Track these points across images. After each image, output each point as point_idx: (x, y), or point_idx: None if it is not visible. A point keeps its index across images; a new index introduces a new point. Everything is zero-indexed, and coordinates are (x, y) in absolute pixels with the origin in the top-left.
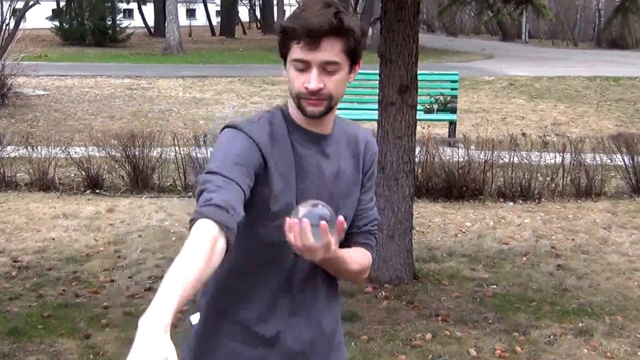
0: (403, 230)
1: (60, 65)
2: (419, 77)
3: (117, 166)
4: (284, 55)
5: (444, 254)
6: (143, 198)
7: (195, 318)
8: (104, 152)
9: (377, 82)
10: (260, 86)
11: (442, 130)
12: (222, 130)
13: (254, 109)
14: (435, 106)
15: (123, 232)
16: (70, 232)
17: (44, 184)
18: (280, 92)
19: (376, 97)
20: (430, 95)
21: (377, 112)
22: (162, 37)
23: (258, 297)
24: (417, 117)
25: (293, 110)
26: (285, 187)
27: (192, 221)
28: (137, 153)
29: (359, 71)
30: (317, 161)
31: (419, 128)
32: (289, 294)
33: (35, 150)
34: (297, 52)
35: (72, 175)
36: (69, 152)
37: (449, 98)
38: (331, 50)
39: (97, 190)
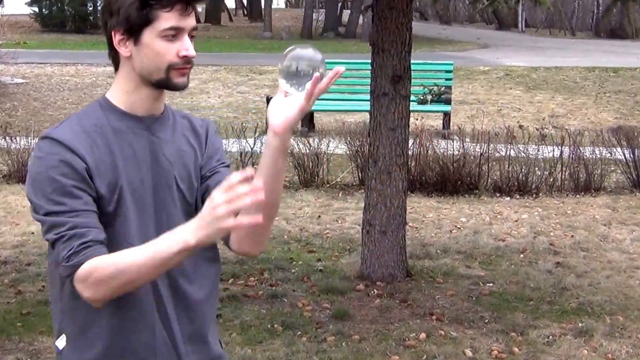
0: (396, 225)
1: (40, 52)
2: (412, 67)
3: None
4: (135, 29)
5: (438, 251)
6: None
7: (61, 342)
8: None
9: (369, 71)
10: (247, 75)
11: (436, 122)
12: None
13: (241, 99)
14: (429, 97)
15: None
16: None
17: (22, 175)
18: (267, 81)
19: (367, 88)
20: (424, 85)
21: (368, 103)
22: None
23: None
24: (411, 109)
25: (120, 97)
26: (108, 189)
27: (80, 262)
28: None
29: (350, 61)
30: (151, 147)
31: (412, 120)
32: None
33: (14, 140)
34: (167, 19)
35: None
36: None
37: (443, 89)
38: (193, 16)
39: None
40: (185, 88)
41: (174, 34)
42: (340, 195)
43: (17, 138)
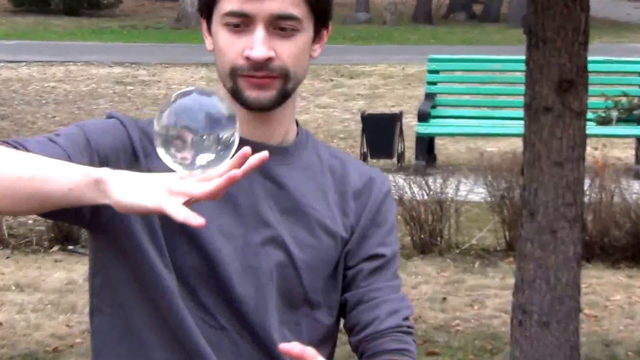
0: (564, 313)
1: (10, 45)
2: (588, 67)
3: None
4: (206, 12)
5: (630, 353)
6: None
7: None
8: None
9: (521, 74)
10: (332, 80)
11: (626, 153)
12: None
13: (321, 117)
14: (615, 114)
15: None
16: (29, 314)
17: None
18: (362, 88)
19: (518, 99)
20: (606, 96)
21: (520, 122)
22: (174, 1)
23: None
24: (587, 132)
25: None
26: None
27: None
28: None
29: (491, 57)
30: (252, 188)
31: (588, 149)
32: None
33: None
34: (231, 1)
35: (31, 221)
36: None
37: (636, 100)
38: None
39: (70, 246)
40: (262, 108)
41: (238, 22)
42: (476, 266)
43: None
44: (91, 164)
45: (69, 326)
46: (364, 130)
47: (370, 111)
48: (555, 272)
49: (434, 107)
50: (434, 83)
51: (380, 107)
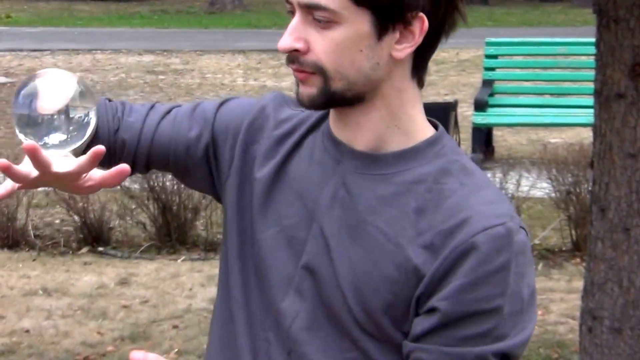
0: (638, 319)
1: (34, 32)
2: None
3: (133, 206)
4: None
5: None
6: (179, 261)
7: None
8: None
9: (590, 58)
10: None
11: None
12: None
13: None
14: None
15: (146, 320)
16: (57, 320)
17: (9, 237)
18: None
19: (587, 86)
20: None
21: (589, 111)
22: None
23: None
24: None
25: None
26: (239, 204)
27: None
28: (167, 185)
29: (554, 39)
30: (322, 190)
31: None
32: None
33: None
34: None
35: (58, 221)
36: None
37: None
38: None
39: (101, 248)
40: (303, 105)
41: (289, 8)
42: (540, 267)
43: (0, 175)
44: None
45: (100, 333)
46: None
47: (422, 100)
48: (629, 274)
49: (491, 95)
50: (492, 69)
51: (432, 96)
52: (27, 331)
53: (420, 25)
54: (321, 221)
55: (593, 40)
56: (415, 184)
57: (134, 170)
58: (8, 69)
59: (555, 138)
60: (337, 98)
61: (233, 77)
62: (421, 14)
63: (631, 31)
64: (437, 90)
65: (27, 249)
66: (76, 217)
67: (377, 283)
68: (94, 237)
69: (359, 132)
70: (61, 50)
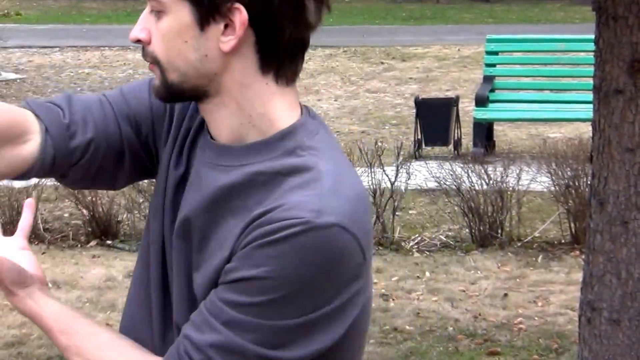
0: (637, 310)
1: (43, 29)
2: None
3: (141, 200)
4: None
5: None
6: None
7: None
8: None
9: (589, 54)
10: (382, 62)
11: None
12: None
13: (372, 102)
14: None
15: None
16: None
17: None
18: (415, 72)
19: (584, 81)
20: None
21: (586, 106)
22: None
23: None
24: None
25: None
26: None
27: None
28: None
29: (553, 36)
30: (205, 173)
31: None
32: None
33: None
34: None
35: (67, 215)
36: None
37: None
38: None
39: (109, 241)
40: (156, 97)
41: None
42: (539, 260)
43: None
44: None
45: (108, 324)
46: (417, 116)
47: (424, 96)
48: (627, 266)
49: (492, 90)
50: (493, 65)
51: (434, 92)
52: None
53: (239, 16)
54: (180, 211)
55: (591, 37)
56: (257, 176)
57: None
58: (18, 65)
59: (554, 133)
60: (176, 91)
61: None
62: (237, 5)
63: (630, 28)
64: (438, 86)
65: (36, 243)
66: (85, 211)
67: (211, 269)
68: (103, 231)
69: (217, 127)
70: (70, 47)
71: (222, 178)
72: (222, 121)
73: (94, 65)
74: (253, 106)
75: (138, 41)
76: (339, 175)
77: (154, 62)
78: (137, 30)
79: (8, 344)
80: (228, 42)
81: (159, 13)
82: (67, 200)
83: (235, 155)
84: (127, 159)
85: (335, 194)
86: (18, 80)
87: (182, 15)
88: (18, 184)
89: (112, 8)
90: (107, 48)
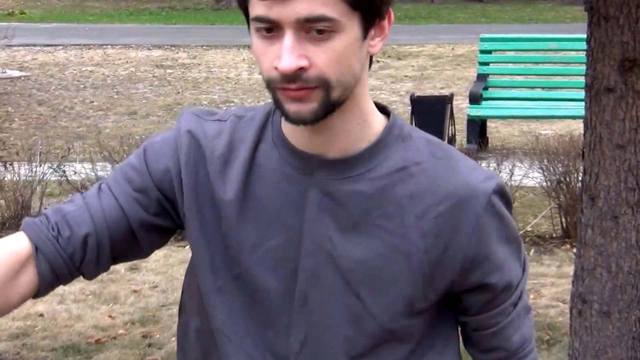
0: (626, 303)
1: (47, 28)
2: None
3: None
4: (244, 12)
5: None
6: (187, 247)
7: None
8: None
9: (581, 54)
10: (378, 61)
11: None
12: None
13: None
14: None
15: (156, 304)
16: (70, 304)
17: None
18: (410, 70)
19: (575, 80)
20: None
21: (580, 104)
22: None
23: None
24: None
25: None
26: (204, 238)
27: (21, 228)
28: None
29: (546, 35)
30: (304, 207)
31: None
32: None
33: (9, 168)
34: (257, 5)
35: None
36: (64, 172)
37: None
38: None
39: None
40: (304, 122)
41: (268, 27)
42: (531, 253)
43: (14, 165)
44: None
45: (111, 317)
46: (413, 113)
47: (419, 93)
48: (617, 260)
49: (486, 88)
50: (486, 63)
51: (429, 89)
52: (41, 315)
53: (389, 17)
54: (312, 234)
55: (582, 36)
56: (395, 172)
57: (98, 267)
58: (22, 63)
59: (546, 130)
60: (331, 107)
61: (238, 71)
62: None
63: (621, 28)
64: (433, 83)
65: None
66: None
67: (392, 278)
68: None
69: (333, 138)
70: (73, 45)
71: (362, 187)
72: (344, 128)
73: (96, 63)
74: (367, 102)
75: (296, 71)
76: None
77: (320, 85)
78: (295, 60)
79: (12, 335)
80: (377, 44)
81: (329, 33)
82: (70, 195)
83: (362, 161)
84: (142, 233)
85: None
86: (22, 78)
87: (354, 29)
88: (23, 179)
89: (115, 7)
90: (109, 46)
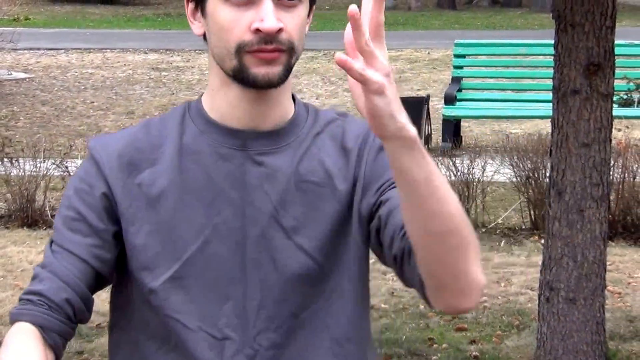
0: (591, 290)
1: (50, 33)
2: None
3: None
4: None
5: None
6: None
7: None
8: None
9: (548, 58)
10: None
11: None
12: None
13: (350, 100)
14: (637, 96)
15: None
16: None
17: (28, 216)
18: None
19: (545, 82)
20: (629, 78)
21: (547, 105)
22: None
23: None
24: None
25: (207, 98)
26: (148, 235)
27: (12, 320)
28: None
29: (517, 41)
30: (244, 179)
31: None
32: None
33: (15, 164)
34: None
35: None
36: (66, 167)
37: None
38: None
39: None
40: (270, 85)
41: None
42: (502, 244)
43: (20, 161)
44: (101, 237)
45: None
46: None
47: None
48: (582, 250)
49: (460, 90)
50: (460, 67)
51: (407, 91)
52: None
53: (314, 6)
54: (253, 203)
55: (550, 42)
56: (317, 135)
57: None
58: (27, 65)
59: (516, 129)
60: (289, 73)
61: None
62: None
63: (586, 34)
64: (410, 85)
65: (44, 228)
66: None
67: (327, 223)
68: None
69: (270, 109)
70: (74, 49)
71: (293, 153)
72: (282, 101)
73: (96, 66)
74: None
75: (277, 31)
76: None
77: (288, 49)
78: (276, 21)
79: None
80: (309, 24)
81: (295, 1)
82: None
83: (290, 132)
84: (112, 267)
85: None
86: (27, 79)
87: (306, 5)
88: (28, 174)
89: (114, 14)
90: (108, 50)
